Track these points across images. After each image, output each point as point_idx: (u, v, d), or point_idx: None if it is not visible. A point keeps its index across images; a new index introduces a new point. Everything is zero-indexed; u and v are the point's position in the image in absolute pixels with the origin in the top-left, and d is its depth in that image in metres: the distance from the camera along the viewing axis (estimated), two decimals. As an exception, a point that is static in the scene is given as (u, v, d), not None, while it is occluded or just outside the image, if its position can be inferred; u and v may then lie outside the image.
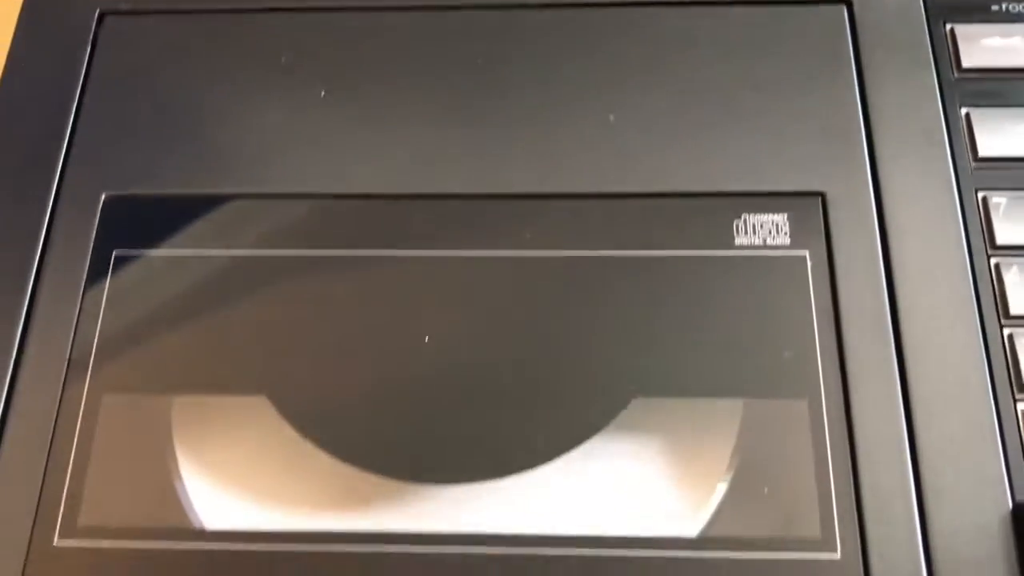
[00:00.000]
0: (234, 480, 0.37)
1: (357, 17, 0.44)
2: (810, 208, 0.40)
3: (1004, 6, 0.43)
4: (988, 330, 0.37)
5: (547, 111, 0.42)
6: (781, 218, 0.40)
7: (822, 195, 0.40)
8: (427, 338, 0.38)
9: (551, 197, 0.40)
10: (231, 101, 0.43)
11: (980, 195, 0.39)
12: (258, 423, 0.37)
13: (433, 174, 0.41)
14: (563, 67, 0.43)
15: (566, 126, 0.42)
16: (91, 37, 0.44)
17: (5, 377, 0.38)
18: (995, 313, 0.37)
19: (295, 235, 0.40)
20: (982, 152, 0.40)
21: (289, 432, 0.37)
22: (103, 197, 0.41)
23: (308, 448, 0.37)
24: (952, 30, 0.43)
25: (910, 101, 0.41)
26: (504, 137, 0.41)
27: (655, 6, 0.44)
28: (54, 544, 0.35)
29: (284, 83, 0.43)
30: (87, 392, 0.38)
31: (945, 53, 0.42)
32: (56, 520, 0.36)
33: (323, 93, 0.43)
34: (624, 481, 0.37)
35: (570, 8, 0.44)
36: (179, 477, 0.37)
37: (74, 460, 0.37)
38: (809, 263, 0.39)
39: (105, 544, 0.35)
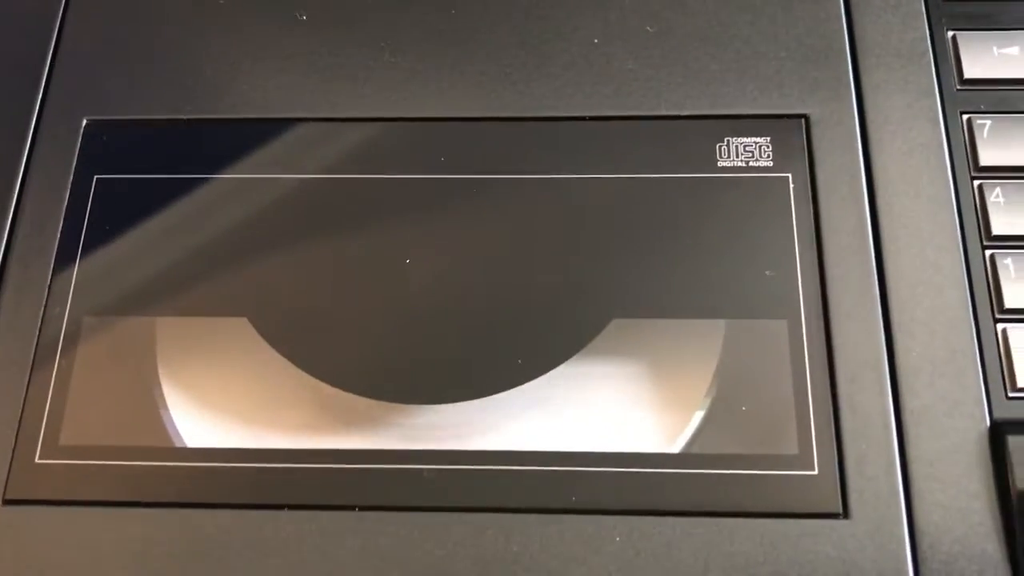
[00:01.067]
0: (215, 400, 0.37)
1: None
2: (793, 130, 0.39)
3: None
4: (970, 252, 0.37)
5: (530, 36, 0.42)
6: (764, 140, 0.39)
7: (805, 117, 0.39)
8: (408, 261, 0.38)
9: (533, 120, 0.40)
10: (212, 25, 0.43)
11: (964, 117, 0.39)
12: (239, 344, 0.38)
13: (410, 98, 0.40)
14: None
15: (549, 50, 0.41)
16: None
17: (-15, 299, 0.38)
18: (977, 235, 0.37)
19: (274, 159, 0.40)
20: (967, 74, 0.40)
21: (269, 353, 0.37)
22: (84, 122, 0.41)
23: (288, 368, 0.37)
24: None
25: (896, 23, 0.41)
26: (486, 61, 0.41)
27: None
28: (35, 462, 0.36)
29: (263, 7, 0.43)
30: (68, 313, 0.38)
31: None
32: (38, 439, 0.36)
33: (303, 16, 0.42)
34: (607, 401, 0.37)
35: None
36: (161, 396, 0.37)
37: (55, 380, 0.37)
38: (791, 185, 0.38)
39: (86, 462, 0.36)
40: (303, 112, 0.40)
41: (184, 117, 0.41)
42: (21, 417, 0.36)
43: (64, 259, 0.39)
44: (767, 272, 0.37)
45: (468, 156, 0.39)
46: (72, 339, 0.37)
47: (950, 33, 0.41)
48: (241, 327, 0.38)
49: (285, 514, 0.35)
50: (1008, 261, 0.36)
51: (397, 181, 0.39)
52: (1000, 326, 0.36)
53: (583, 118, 0.40)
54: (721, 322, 0.37)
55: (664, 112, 0.40)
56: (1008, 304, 0.36)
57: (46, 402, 0.36)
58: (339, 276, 0.38)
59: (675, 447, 0.35)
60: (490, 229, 0.38)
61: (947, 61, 0.40)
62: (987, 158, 0.38)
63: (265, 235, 0.39)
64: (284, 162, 0.40)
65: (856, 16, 0.41)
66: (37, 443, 0.36)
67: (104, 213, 0.39)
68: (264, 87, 0.41)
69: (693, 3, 0.42)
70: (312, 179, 0.39)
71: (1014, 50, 0.40)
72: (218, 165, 0.40)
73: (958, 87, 0.40)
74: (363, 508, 0.35)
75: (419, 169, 0.39)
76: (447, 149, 0.39)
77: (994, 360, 0.35)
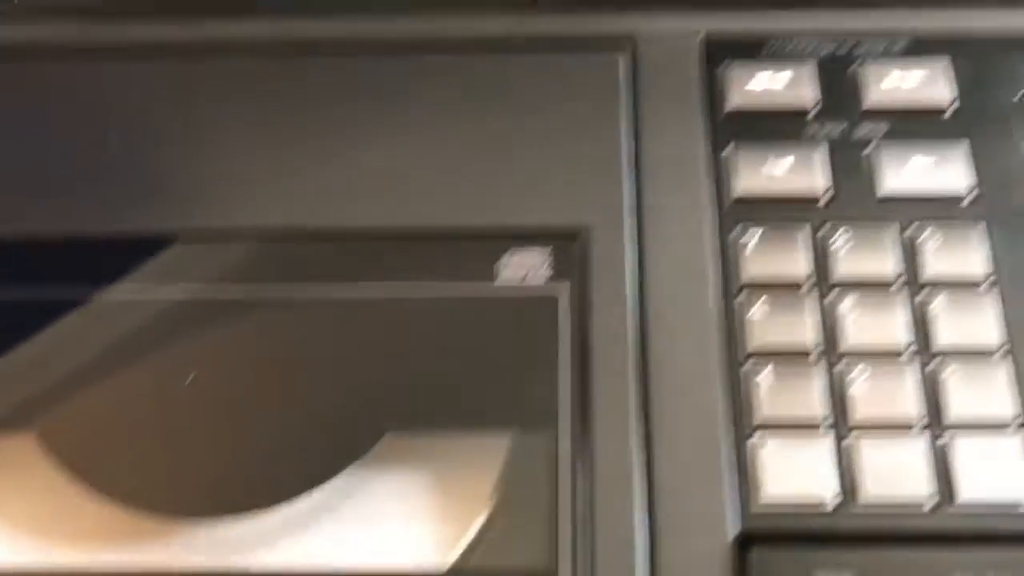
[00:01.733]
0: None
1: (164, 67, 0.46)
2: (572, 244, 0.41)
3: (776, 46, 0.44)
4: (731, 366, 0.38)
5: (310, 148, 0.43)
6: (543, 254, 0.41)
7: (584, 231, 0.41)
8: (189, 378, 0.39)
9: (313, 234, 0.41)
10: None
11: (735, 231, 0.41)
12: (24, 458, 0.39)
13: (193, 210, 0.42)
14: (341, 108, 0.44)
15: (331, 163, 0.43)
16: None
17: None
18: (737, 349, 0.38)
19: (61, 277, 0.41)
20: (739, 191, 0.41)
21: (55, 469, 0.38)
22: None
23: (73, 484, 0.38)
24: (724, 70, 0.44)
25: (678, 139, 0.43)
26: (266, 176, 0.43)
27: (436, 53, 0.45)
28: None
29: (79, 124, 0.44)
30: None
31: (717, 93, 0.44)
32: None
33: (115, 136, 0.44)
34: (377, 516, 0.38)
35: (352, 55, 0.45)
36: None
37: None
38: (565, 299, 0.40)
39: None
40: (88, 228, 0.42)
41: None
42: None
43: None
44: (536, 388, 0.38)
45: (247, 273, 0.41)
46: None
47: (728, 149, 0.42)
48: (27, 443, 0.39)
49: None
50: (759, 377, 0.38)
51: (178, 301, 0.41)
52: (750, 440, 0.37)
53: (362, 232, 0.41)
54: (488, 437, 0.38)
55: (444, 225, 0.41)
56: (757, 419, 0.37)
57: None
58: (123, 393, 0.39)
59: (441, 565, 0.37)
60: (269, 347, 0.40)
61: (722, 177, 0.42)
62: (752, 272, 0.40)
63: (53, 353, 0.40)
64: (70, 281, 0.41)
65: (642, 131, 0.43)
66: None
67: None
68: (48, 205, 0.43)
69: (475, 114, 0.44)
70: (99, 297, 0.41)
71: (784, 167, 0.42)
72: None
73: (731, 202, 0.41)
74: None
75: (197, 289, 0.41)
76: (222, 265, 0.41)
77: (743, 473, 0.37)
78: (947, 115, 0.42)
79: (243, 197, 0.42)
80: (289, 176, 0.43)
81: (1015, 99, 0.42)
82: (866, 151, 0.42)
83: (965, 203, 0.40)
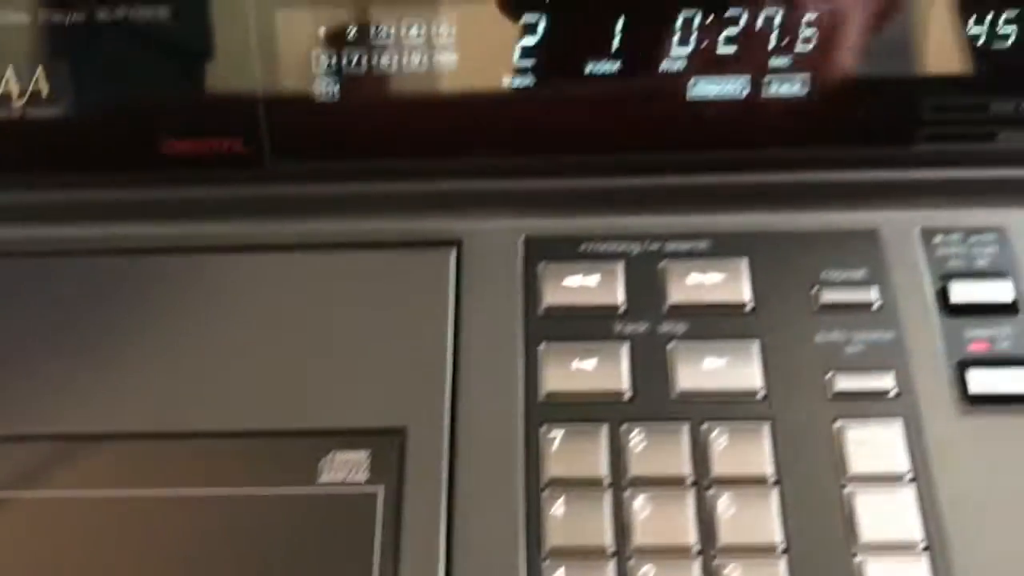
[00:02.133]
0: None
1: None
2: (390, 444, 0.43)
3: (590, 247, 0.48)
4: (532, 564, 0.41)
5: (143, 354, 0.46)
6: (363, 455, 0.43)
7: (402, 431, 0.44)
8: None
9: (133, 436, 0.44)
10: None
11: (542, 429, 0.43)
12: None
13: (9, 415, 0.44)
14: (163, 309, 0.47)
15: (155, 364, 0.45)
16: None
17: None
18: (538, 546, 0.41)
19: None
20: (549, 389, 0.44)
21: None
22: None
23: None
24: (542, 270, 0.47)
25: (496, 337, 0.46)
26: (91, 380, 0.45)
27: (263, 252, 0.48)
28: None
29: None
30: None
31: (534, 292, 0.47)
32: None
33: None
34: None
35: (176, 254, 0.48)
36: None
37: None
38: (381, 498, 0.42)
39: None
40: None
41: None
42: None
43: None
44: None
45: (73, 476, 0.43)
46: None
47: (541, 346, 0.45)
48: None
49: None
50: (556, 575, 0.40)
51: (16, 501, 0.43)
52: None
53: (187, 434, 0.44)
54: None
55: (267, 428, 0.44)
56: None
57: None
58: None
59: None
60: (94, 543, 0.42)
61: (532, 376, 0.45)
62: (554, 471, 0.42)
63: None
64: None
65: (463, 330, 0.46)
66: None
67: None
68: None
69: (300, 314, 0.46)
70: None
71: (590, 366, 0.45)
72: None
73: (540, 400, 0.44)
74: None
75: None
76: (43, 466, 0.43)
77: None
78: (744, 313, 0.46)
79: (61, 401, 0.45)
80: (113, 380, 0.45)
81: (809, 293, 0.46)
82: (667, 349, 0.45)
83: (755, 402, 0.43)
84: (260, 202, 0.49)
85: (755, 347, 0.45)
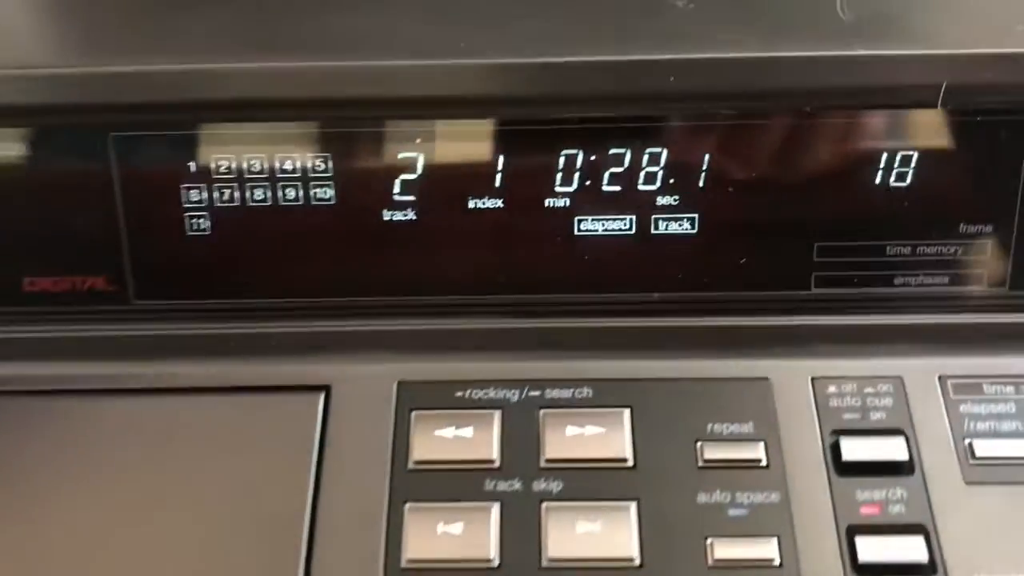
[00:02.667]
0: None
1: None
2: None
3: (466, 393, 0.45)
4: None
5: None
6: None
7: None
8: None
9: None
10: None
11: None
12: None
13: None
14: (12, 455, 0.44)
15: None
16: None
17: None
18: None
19: None
20: (411, 555, 0.41)
21: None
22: None
23: None
24: (413, 419, 0.44)
25: (359, 496, 0.43)
26: None
27: (124, 393, 0.46)
28: None
29: None
30: None
31: (403, 444, 0.44)
32: None
33: None
34: None
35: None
36: None
37: None
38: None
39: None
40: None
41: None
42: None
43: None
44: None
45: None
46: None
47: (406, 505, 0.42)
48: None
49: None
50: None
51: None
52: None
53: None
54: None
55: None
56: None
57: None
58: None
59: None
60: None
61: (393, 538, 0.42)
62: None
63: None
64: None
65: (321, 484, 0.43)
66: None
67: None
68: None
69: (152, 465, 0.44)
70: None
71: (458, 528, 0.42)
72: None
73: (402, 566, 0.41)
74: None
75: None
76: None
77: None
78: (623, 470, 0.43)
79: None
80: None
81: (692, 448, 0.43)
82: (540, 510, 0.42)
83: (630, 569, 0.41)
84: (124, 341, 0.47)
85: (632, 509, 0.42)
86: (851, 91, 0.43)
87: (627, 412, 0.44)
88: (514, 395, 0.45)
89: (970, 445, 0.43)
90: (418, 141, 0.44)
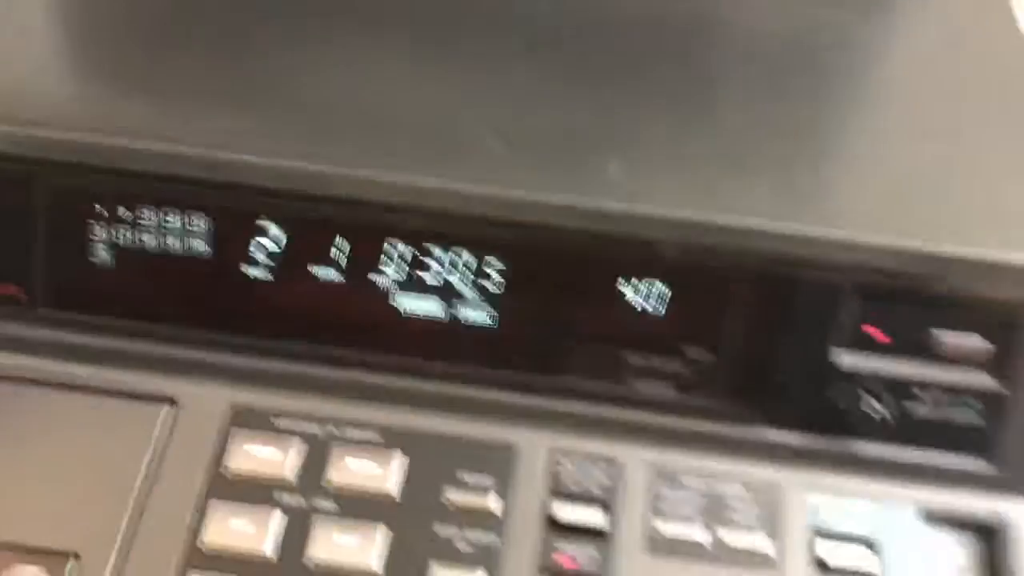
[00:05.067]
0: None
1: None
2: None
3: (281, 422, 0.57)
4: None
5: None
6: (38, 570, 0.52)
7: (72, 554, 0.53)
8: None
9: None
10: None
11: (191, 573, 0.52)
12: None
13: None
14: None
15: None
16: None
17: None
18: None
19: None
20: (207, 538, 0.53)
21: None
22: None
23: None
24: (233, 434, 0.56)
25: (182, 483, 0.55)
26: None
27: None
28: None
29: None
30: None
31: (222, 452, 0.56)
32: None
33: None
34: None
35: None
36: None
37: None
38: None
39: None
40: None
41: None
42: None
43: None
44: None
45: None
46: None
47: (209, 502, 0.54)
48: None
49: None
50: None
51: None
52: None
53: None
54: None
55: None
56: None
57: None
58: None
59: None
60: None
61: (197, 525, 0.54)
62: (189, 611, 0.51)
63: None
64: None
65: (153, 475, 0.55)
66: None
67: None
68: None
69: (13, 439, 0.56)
70: None
71: (244, 525, 0.54)
72: None
73: (198, 545, 0.53)
74: None
75: None
76: None
77: None
78: (385, 501, 0.55)
79: None
80: None
81: (440, 489, 0.55)
82: (312, 520, 0.54)
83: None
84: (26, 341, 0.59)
85: (382, 531, 0.54)
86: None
87: (398, 454, 0.56)
88: (317, 429, 0.57)
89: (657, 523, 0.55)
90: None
